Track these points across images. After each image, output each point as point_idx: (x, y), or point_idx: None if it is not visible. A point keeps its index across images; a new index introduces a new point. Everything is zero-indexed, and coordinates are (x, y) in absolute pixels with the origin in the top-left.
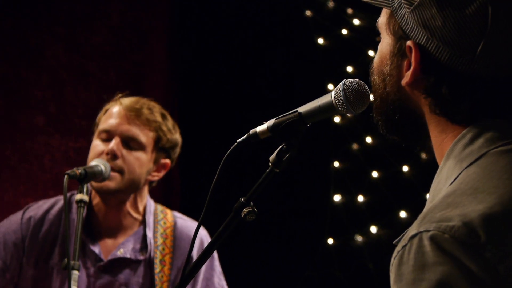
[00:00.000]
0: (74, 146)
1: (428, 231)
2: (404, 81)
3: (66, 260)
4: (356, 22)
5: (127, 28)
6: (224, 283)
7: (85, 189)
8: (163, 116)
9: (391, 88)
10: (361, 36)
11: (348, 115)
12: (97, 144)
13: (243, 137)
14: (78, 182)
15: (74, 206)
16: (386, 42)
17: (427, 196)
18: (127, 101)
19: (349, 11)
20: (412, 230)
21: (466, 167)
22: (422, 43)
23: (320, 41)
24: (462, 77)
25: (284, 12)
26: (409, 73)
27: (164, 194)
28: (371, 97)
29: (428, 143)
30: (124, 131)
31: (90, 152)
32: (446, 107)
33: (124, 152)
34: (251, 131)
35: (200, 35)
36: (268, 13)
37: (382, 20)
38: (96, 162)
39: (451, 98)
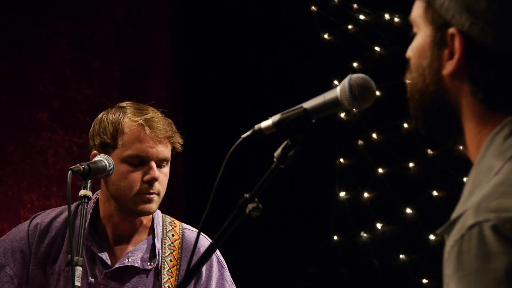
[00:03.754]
0: (77, 141)
1: (488, 220)
2: (447, 71)
3: (69, 256)
4: (361, 17)
5: (130, 24)
6: None
7: (88, 185)
8: (174, 125)
9: (431, 80)
10: (366, 32)
11: (354, 110)
12: (130, 171)
13: (248, 132)
14: (82, 178)
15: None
16: (423, 34)
17: (465, 186)
18: (155, 123)
19: (355, 6)
20: (468, 220)
21: (510, 158)
22: (465, 29)
23: (326, 36)
24: (509, 61)
25: (289, 7)
26: (453, 61)
27: (168, 191)
28: (377, 93)
29: (459, 138)
30: (160, 156)
31: (123, 181)
32: (491, 93)
33: (159, 174)
34: (256, 126)
35: (203, 31)
36: (273, 8)
37: (417, 13)
38: (100, 158)
39: (498, 83)
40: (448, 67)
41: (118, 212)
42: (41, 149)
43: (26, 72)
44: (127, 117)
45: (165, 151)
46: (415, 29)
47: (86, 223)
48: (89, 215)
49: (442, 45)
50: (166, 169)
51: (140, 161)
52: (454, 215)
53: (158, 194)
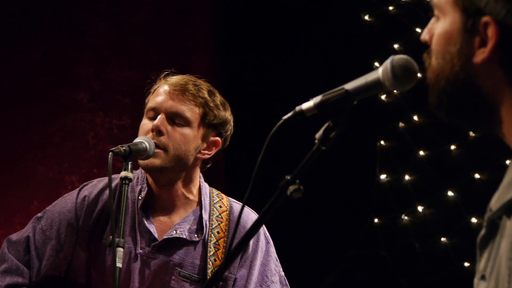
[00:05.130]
0: (117, 123)
1: None
2: (478, 58)
3: (110, 237)
4: None
5: (170, 5)
6: (280, 269)
7: (129, 167)
8: (210, 93)
9: (460, 67)
10: (407, 13)
11: (395, 92)
12: (145, 123)
13: (289, 114)
14: (122, 159)
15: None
16: (451, 20)
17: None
18: (174, 79)
19: None
20: None
21: None
22: (500, 17)
23: (366, 18)
24: None
25: None
26: (485, 49)
27: (208, 172)
28: (429, 79)
29: (490, 124)
30: (168, 108)
31: (139, 131)
32: None
33: (169, 128)
34: (297, 108)
35: (244, 11)
36: None
37: None
38: (140, 139)
39: None
40: (480, 55)
41: (150, 178)
42: (82, 131)
43: (66, 55)
44: (159, 79)
45: (178, 106)
46: (437, 13)
47: (140, 200)
48: (139, 187)
49: (473, 33)
50: (183, 130)
51: (154, 115)
52: (507, 196)
53: (164, 149)
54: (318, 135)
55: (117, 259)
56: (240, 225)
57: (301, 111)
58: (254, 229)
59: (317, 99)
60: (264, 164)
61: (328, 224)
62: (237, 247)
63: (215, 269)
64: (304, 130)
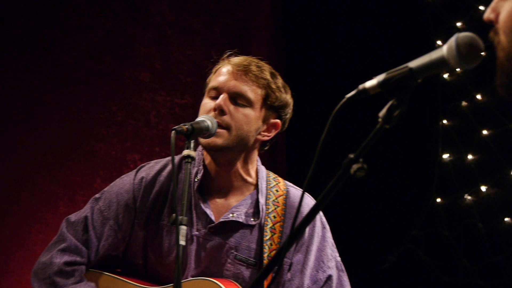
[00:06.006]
0: (179, 102)
1: None
2: None
3: (174, 215)
4: None
5: None
6: (336, 254)
7: (191, 145)
8: (272, 75)
9: None
10: None
11: (458, 70)
12: (206, 102)
13: (352, 92)
14: (185, 138)
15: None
16: None
17: None
18: (236, 59)
19: None
20: None
21: None
22: None
23: None
24: None
25: None
26: None
27: (269, 151)
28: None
29: None
30: (231, 87)
31: (200, 110)
32: None
33: (232, 108)
34: (360, 86)
35: None
36: None
37: None
38: (203, 118)
39: None
40: None
41: (210, 158)
42: (144, 110)
43: (128, 34)
44: (221, 59)
45: (240, 85)
46: None
47: (196, 182)
48: (195, 169)
49: None
50: (246, 110)
51: (216, 94)
52: None
53: (226, 128)
54: (381, 113)
55: (180, 237)
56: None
57: (364, 89)
58: (316, 209)
59: (381, 77)
60: (327, 143)
61: (390, 203)
62: (297, 230)
63: (271, 253)
64: (369, 108)
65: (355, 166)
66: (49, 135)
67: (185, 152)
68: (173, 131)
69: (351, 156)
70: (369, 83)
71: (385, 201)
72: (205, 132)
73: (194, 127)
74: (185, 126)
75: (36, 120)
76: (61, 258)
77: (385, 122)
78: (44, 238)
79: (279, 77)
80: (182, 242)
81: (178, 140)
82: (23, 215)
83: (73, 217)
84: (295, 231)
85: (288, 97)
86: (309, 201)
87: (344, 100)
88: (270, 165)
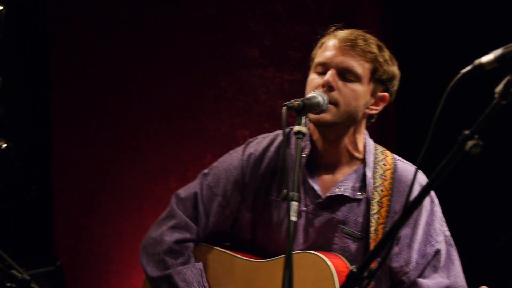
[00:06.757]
0: (288, 78)
1: None
2: None
3: (285, 191)
4: None
5: None
6: (445, 228)
7: (302, 121)
8: (379, 47)
9: None
10: None
11: None
12: (313, 78)
13: (468, 67)
14: (296, 114)
15: (293, 140)
16: None
17: None
18: (342, 33)
19: None
20: None
21: None
22: None
23: None
24: None
25: None
26: None
27: (379, 126)
28: None
29: None
30: (339, 63)
31: (307, 86)
32: None
33: (340, 84)
34: (476, 61)
35: None
36: None
37: None
38: (314, 94)
39: None
40: None
41: (318, 134)
42: (253, 86)
43: (238, 11)
44: (327, 34)
45: (348, 60)
46: None
47: (304, 158)
48: (304, 143)
49: None
50: (354, 85)
51: (323, 70)
52: None
53: (335, 104)
54: (498, 89)
55: (292, 212)
56: (404, 184)
57: (480, 64)
58: (429, 188)
59: (498, 52)
60: (441, 121)
61: (505, 180)
62: (411, 207)
63: (378, 227)
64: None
65: (470, 143)
66: (161, 111)
67: (296, 128)
68: (284, 107)
69: (467, 132)
70: (485, 58)
71: (499, 178)
72: (316, 108)
73: (305, 103)
74: (296, 102)
75: (148, 95)
76: (171, 236)
77: (501, 97)
78: (155, 212)
79: (385, 49)
80: (294, 218)
81: (288, 116)
82: (135, 190)
83: (182, 192)
84: (409, 207)
85: (395, 69)
86: (420, 176)
87: (459, 75)
88: (379, 139)
